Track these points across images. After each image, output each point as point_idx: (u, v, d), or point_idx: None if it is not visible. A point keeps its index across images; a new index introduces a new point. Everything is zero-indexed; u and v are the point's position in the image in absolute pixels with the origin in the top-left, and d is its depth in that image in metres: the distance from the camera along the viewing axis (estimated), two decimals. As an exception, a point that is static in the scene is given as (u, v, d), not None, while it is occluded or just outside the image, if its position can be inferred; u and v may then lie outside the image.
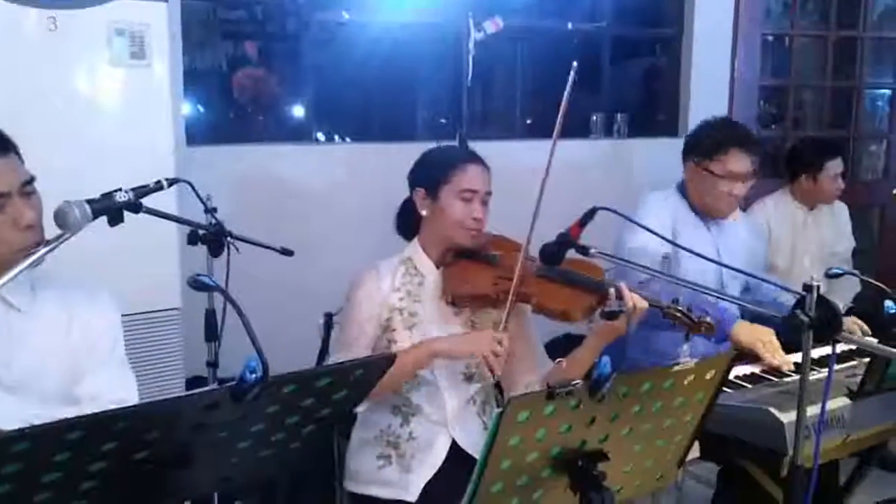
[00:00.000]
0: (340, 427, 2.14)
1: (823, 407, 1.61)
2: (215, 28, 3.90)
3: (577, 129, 4.43)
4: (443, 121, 3.70)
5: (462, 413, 2.11)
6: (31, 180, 1.58)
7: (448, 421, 2.08)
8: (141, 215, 1.58)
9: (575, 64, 1.99)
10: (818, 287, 1.46)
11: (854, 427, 1.94)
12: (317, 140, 3.88)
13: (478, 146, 3.23)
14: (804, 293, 1.47)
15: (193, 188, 1.87)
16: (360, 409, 2.03)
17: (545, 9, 4.06)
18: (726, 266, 2.29)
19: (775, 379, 2.16)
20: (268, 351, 1.09)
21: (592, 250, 1.83)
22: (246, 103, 4.15)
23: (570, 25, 4.25)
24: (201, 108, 3.96)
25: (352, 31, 3.71)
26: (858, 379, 1.99)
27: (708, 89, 4.48)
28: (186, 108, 3.50)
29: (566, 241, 1.85)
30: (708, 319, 1.89)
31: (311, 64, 3.73)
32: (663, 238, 2.07)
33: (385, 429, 2.10)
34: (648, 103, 4.82)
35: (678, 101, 4.54)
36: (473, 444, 2.08)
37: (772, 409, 1.86)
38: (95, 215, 1.53)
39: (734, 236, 2.69)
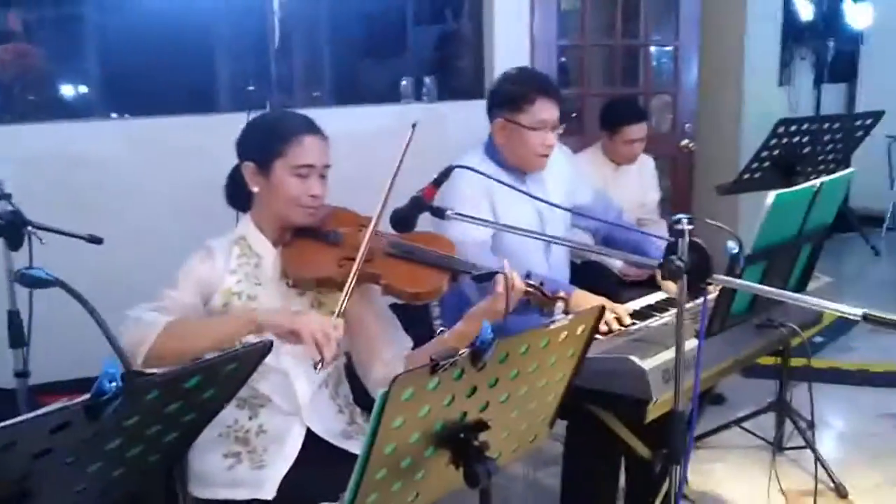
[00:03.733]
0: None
1: (700, 345, 1.63)
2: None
3: (386, 93, 4.34)
4: (250, 88, 3.45)
5: (315, 399, 1.95)
6: None
7: (301, 409, 1.92)
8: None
9: (414, 124, 1.87)
10: (689, 231, 1.46)
11: (704, 366, 1.99)
12: (107, 116, 3.51)
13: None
14: (674, 238, 1.46)
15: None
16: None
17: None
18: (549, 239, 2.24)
19: (623, 328, 2.18)
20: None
21: (448, 212, 1.73)
22: (10, 82, 3.66)
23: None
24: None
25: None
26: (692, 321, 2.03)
27: (510, 51, 4.53)
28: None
29: (420, 203, 1.74)
30: (561, 293, 1.87)
31: (95, 33, 3.33)
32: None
33: (231, 425, 1.91)
34: (453, 66, 4.81)
35: (483, 63, 4.56)
36: (329, 431, 1.95)
37: (632, 357, 1.87)
38: None
39: (553, 186, 2.64)
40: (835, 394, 3.81)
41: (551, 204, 2.16)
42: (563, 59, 4.90)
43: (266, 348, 1.13)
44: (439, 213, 1.74)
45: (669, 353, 1.90)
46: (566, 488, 2.38)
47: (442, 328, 1.93)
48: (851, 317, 1.35)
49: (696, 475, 2.97)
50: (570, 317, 1.49)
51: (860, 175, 2.94)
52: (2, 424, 0.77)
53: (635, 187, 3.81)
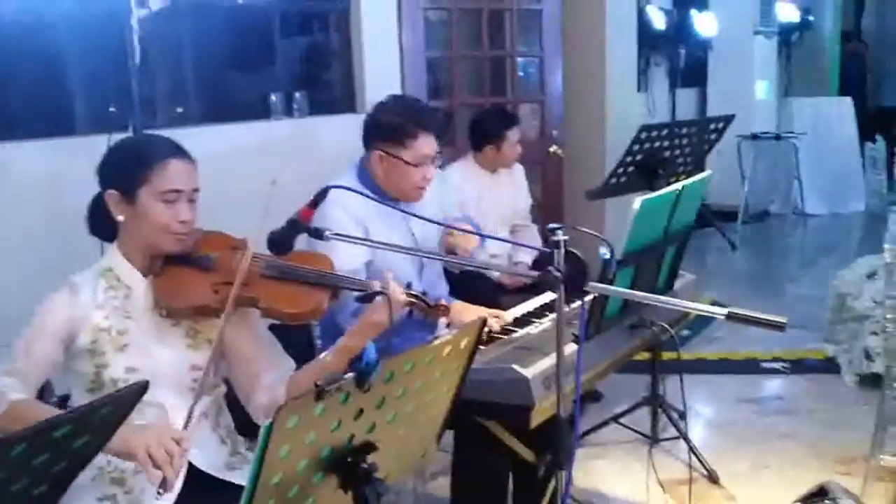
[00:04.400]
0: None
1: (580, 350, 1.68)
2: None
3: (256, 110, 4.26)
4: (112, 109, 3.29)
5: (196, 431, 1.88)
6: None
7: (181, 443, 1.85)
8: None
9: (274, 181, 1.78)
10: (564, 242, 1.50)
11: (582, 370, 2.06)
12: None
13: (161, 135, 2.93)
14: (550, 249, 1.50)
15: None
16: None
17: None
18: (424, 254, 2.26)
19: (505, 337, 2.22)
20: None
21: (327, 232, 1.71)
22: None
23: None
24: None
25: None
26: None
27: (380, 63, 4.54)
28: None
29: (296, 225, 1.71)
30: (443, 302, 1.88)
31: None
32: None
33: (104, 466, 1.81)
34: (323, 80, 4.77)
35: (353, 77, 4.54)
36: (212, 463, 1.88)
37: (514, 366, 1.91)
38: None
39: (421, 207, 2.65)
40: (701, 383, 4.01)
41: (431, 221, 2.17)
42: (432, 70, 4.95)
43: (142, 388, 1.09)
44: (317, 234, 1.72)
45: (550, 360, 1.95)
46: (456, 498, 2.40)
47: (324, 353, 1.90)
48: (717, 316, 1.43)
49: (579, 472, 3.06)
50: (453, 331, 1.50)
51: (715, 173, 3.12)
52: None
53: (509, 194, 3.90)
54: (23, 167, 3.10)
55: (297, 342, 2.37)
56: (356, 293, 1.81)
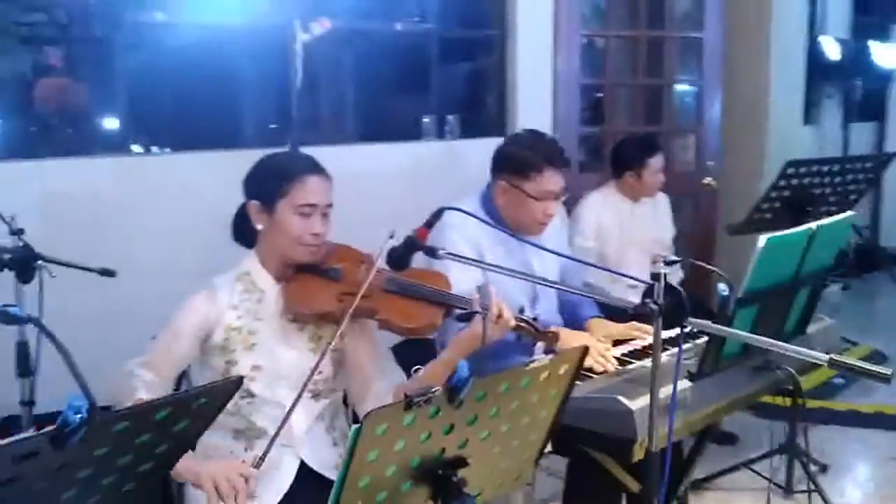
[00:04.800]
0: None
1: (675, 389, 1.66)
2: (11, 33, 3.55)
3: (409, 131, 4.44)
4: (272, 126, 3.55)
5: (310, 432, 2.01)
6: None
7: (295, 441, 1.98)
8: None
9: (393, 233, 1.85)
10: (665, 275, 1.50)
11: (693, 408, 2.01)
12: (130, 151, 3.64)
13: (308, 152, 3.13)
14: (652, 282, 1.50)
15: (-16, 209, 1.64)
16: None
17: (373, 10, 4.01)
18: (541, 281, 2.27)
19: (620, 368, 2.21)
20: (92, 384, 0.97)
21: (441, 251, 1.79)
22: (50, 115, 3.82)
23: (398, 27, 4.22)
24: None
25: (168, 33, 3.49)
26: (694, 361, 2.07)
27: (533, 89, 4.60)
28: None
29: (413, 243, 1.80)
30: (553, 329, 1.91)
31: (123, 70, 3.47)
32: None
33: (227, 455, 1.96)
34: (476, 104, 4.89)
35: (505, 101, 4.63)
36: (323, 463, 1.99)
37: (620, 398, 1.90)
38: None
39: (543, 239, 2.58)
40: (850, 436, 3.75)
41: (546, 249, 2.19)
42: (586, 96, 4.95)
43: (236, 384, 1.19)
44: (432, 252, 1.80)
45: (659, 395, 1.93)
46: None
47: (417, 367, 1.98)
48: (818, 361, 1.38)
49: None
50: (550, 356, 1.52)
51: (891, 212, 2.91)
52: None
53: (651, 224, 3.83)
54: (195, 175, 3.41)
55: (424, 356, 2.47)
56: (458, 311, 1.87)
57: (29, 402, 2.03)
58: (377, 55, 4.21)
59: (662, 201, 3.90)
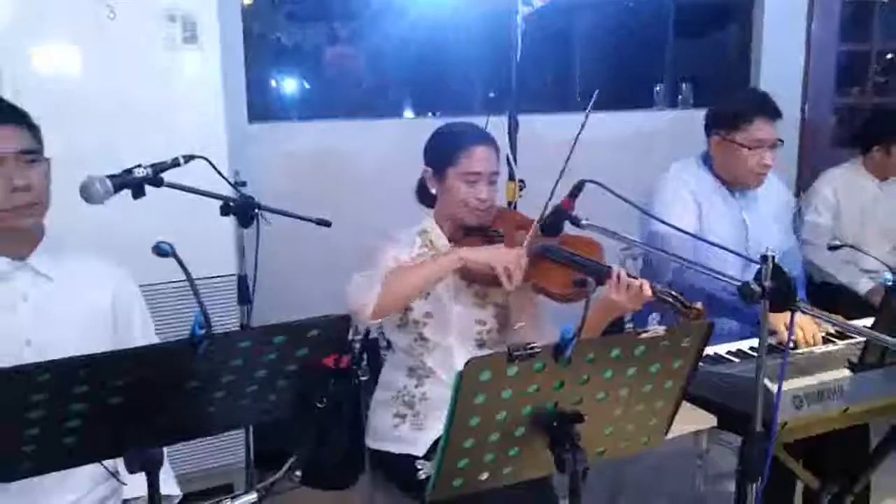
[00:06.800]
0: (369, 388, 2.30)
1: (781, 379, 1.64)
2: (279, 10, 4.09)
3: (641, 99, 4.41)
4: (491, 95, 3.76)
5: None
6: (32, 151, 1.64)
7: (460, 383, 2.18)
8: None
9: (596, 92, 2.07)
10: (773, 257, 1.48)
11: (854, 398, 1.93)
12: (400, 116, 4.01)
13: (531, 119, 3.23)
14: (760, 263, 1.49)
15: (212, 164, 1.96)
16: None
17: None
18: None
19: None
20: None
21: (584, 221, 1.89)
22: (333, 80, 4.33)
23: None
24: (291, 85, 4.14)
25: (411, 9, 3.80)
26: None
27: (781, 56, 4.37)
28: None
29: (560, 213, 1.91)
30: (698, 305, 1.92)
31: (375, 42, 3.85)
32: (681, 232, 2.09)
33: (401, 390, 2.22)
34: (715, 73, 4.72)
35: (748, 70, 4.44)
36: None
37: (765, 380, 1.88)
38: (116, 189, 1.71)
39: (764, 205, 2.66)
40: None
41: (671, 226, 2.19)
42: (843, 64, 4.57)
43: (345, 321, 1.39)
44: (575, 221, 1.90)
45: (809, 380, 1.89)
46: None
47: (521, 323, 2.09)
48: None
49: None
50: (662, 328, 1.57)
51: None
52: (128, 349, 1.14)
53: (897, 206, 3.53)
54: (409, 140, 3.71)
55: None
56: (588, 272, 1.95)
57: (245, 327, 2.40)
58: (612, 25, 4.24)
59: (914, 182, 3.56)
